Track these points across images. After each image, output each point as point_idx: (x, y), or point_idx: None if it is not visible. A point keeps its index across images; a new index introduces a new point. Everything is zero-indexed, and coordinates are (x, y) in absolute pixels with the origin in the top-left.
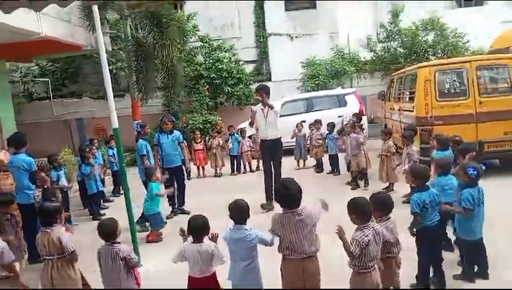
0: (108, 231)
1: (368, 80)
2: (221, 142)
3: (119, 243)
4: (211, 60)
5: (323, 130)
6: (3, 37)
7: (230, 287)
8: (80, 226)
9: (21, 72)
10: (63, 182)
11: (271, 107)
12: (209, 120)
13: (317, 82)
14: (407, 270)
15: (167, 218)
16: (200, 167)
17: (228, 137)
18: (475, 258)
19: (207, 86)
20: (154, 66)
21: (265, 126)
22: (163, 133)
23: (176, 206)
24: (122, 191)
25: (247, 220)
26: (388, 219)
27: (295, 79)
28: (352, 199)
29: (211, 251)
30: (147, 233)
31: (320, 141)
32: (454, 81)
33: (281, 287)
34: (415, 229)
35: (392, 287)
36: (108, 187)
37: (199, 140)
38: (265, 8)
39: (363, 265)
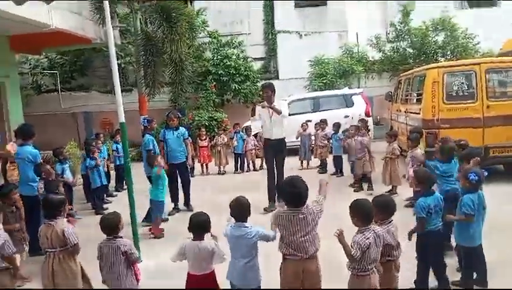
0: (110, 225)
1: (375, 81)
2: (226, 140)
3: (121, 237)
4: (219, 56)
5: (328, 130)
6: (15, 29)
7: (229, 287)
8: (82, 219)
9: (30, 64)
10: (68, 175)
11: (278, 113)
12: (215, 117)
13: (324, 81)
14: (406, 274)
15: (169, 215)
16: (204, 164)
17: (233, 135)
18: (474, 265)
19: (214, 83)
20: (162, 61)
21: (270, 125)
22: (169, 129)
23: (178, 204)
24: (125, 187)
25: (248, 218)
26: (390, 221)
27: (303, 77)
28: (355, 200)
29: (211, 249)
30: (149, 227)
31: (325, 142)
32: (463, 83)
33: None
34: (417, 233)
35: None
36: (112, 182)
37: (204, 137)
38: (275, 5)
39: (363, 268)
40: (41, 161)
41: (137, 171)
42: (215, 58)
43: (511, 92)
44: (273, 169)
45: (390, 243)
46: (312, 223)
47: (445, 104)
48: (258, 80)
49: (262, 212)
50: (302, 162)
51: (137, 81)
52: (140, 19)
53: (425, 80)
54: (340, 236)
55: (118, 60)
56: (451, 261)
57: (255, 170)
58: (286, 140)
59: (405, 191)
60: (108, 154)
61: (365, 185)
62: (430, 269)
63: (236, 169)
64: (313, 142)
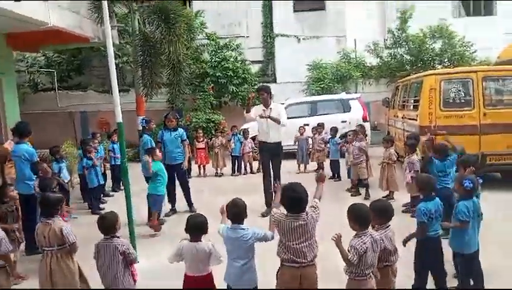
0: (108, 225)
1: (373, 86)
2: (223, 142)
3: (118, 237)
4: (217, 58)
5: (325, 134)
6: (12, 26)
7: (226, 288)
8: (78, 219)
9: (27, 62)
10: (65, 174)
11: (278, 123)
12: (213, 119)
13: (322, 85)
14: (403, 280)
15: (166, 215)
16: (201, 166)
17: (231, 137)
18: (470, 272)
19: (212, 85)
20: (160, 61)
21: (267, 128)
22: (167, 130)
23: (175, 205)
24: (122, 187)
25: (245, 220)
26: (387, 227)
27: (300, 81)
28: (352, 204)
29: (208, 250)
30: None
31: (322, 146)
32: (460, 91)
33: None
34: (417, 239)
35: None
36: (108, 182)
37: (201, 139)
38: (274, 8)
39: (360, 272)
40: (38, 159)
41: (134, 171)
42: (213, 60)
43: (508, 100)
44: (269, 172)
45: (388, 248)
46: (312, 230)
47: (442, 111)
48: (256, 82)
49: (258, 216)
50: (299, 166)
51: (134, 82)
52: (138, 19)
53: (423, 86)
54: (337, 241)
55: (115, 59)
56: (448, 267)
57: (252, 172)
58: (283, 144)
59: (402, 197)
60: (105, 154)
61: (362, 190)
62: (429, 275)
63: (233, 171)
64: (311, 146)
